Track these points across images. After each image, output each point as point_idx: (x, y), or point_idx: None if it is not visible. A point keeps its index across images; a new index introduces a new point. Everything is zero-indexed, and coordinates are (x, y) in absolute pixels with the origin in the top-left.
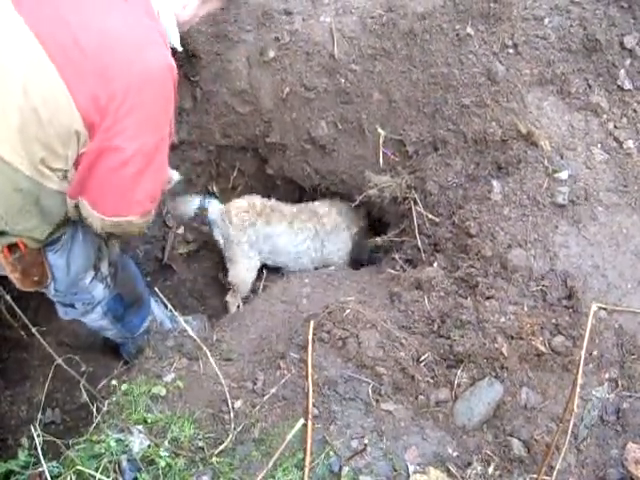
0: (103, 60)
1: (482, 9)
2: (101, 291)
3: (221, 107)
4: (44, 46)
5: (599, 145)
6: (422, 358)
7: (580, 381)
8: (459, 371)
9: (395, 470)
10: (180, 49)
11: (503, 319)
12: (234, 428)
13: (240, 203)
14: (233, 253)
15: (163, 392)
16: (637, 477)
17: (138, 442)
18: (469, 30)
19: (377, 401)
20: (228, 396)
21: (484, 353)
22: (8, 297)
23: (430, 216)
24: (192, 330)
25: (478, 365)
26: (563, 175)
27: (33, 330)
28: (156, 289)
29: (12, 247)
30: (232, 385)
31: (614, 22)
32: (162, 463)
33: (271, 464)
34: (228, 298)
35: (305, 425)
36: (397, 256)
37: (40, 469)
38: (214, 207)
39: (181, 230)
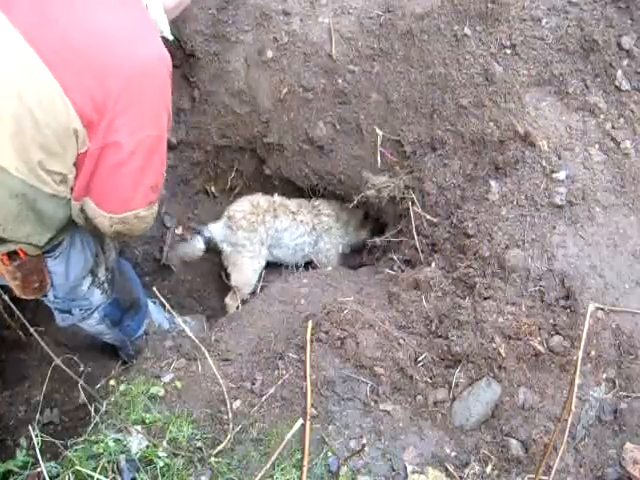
0: (96, 57)
1: (480, 10)
2: (98, 297)
3: (219, 107)
4: (34, 47)
5: (597, 145)
6: (420, 358)
7: (578, 381)
8: (457, 371)
9: (393, 470)
10: (171, 37)
11: (501, 319)
12: (232, 428)
13: (243, 206)
14: (240, 256)
15: (161, 392)
16: (634, 477)
17: (136, 442)
18: (467, 31)
19: (375, 401)
20: (226, 396)
21: (482, 353)
22: (6, 297)
23: (428, 216)
24: (190, 330)
25: (476, 365)
26: (561, 175)
27: (31, 330)
28: (154, 289)
29: (12, 255)
30: (230, 385)
31: (611, 23)
32: (160, 463)
33: (269, 464)
34: (227, 300)
35: (303, 425)
36: (395, 256)
37: (38, 469)
38: (216, 229)
39: (179, 230)
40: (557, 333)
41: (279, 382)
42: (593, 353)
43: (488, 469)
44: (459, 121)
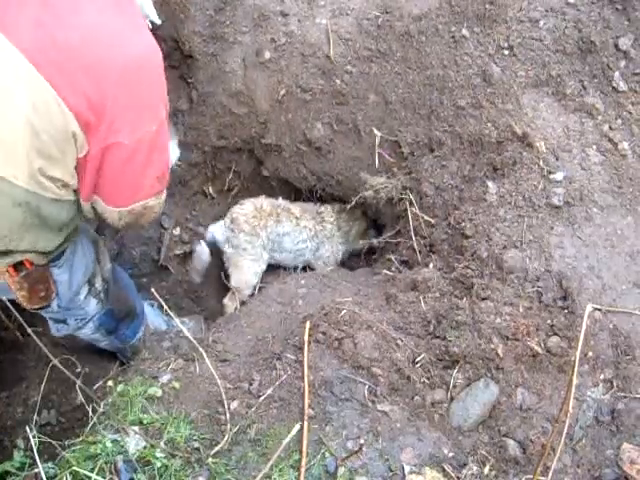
0: (86, 56)
1: (477, 11)
2: (94, 306)
3: (217, 108)
4: (23, 52)
5: (594, 146)
6: (418, 359)
7: (575, 382)
8: (455, 372)
9: (391, 471)
10: (158, 21)
11: (499, 320)
12: (230, 429)
13: (246, 209)
14: (241, 258)
15: (159, 393)
16: (632, 477)
17: (134, 443)
18: (464, 32)
19: (373, 402)
20: (224, 397)
21: (480, 354)
22: (4, 298)
23: (426, 217)
24: (188, 331)
25: (474, 366)
26: (558, 176)
27: (29, 331)
28: (153, 290)
29: (17, 266)
30: (228, 386)
31: (609, 24)
32: (158, 464)
33: (268, 467)
34: (226, 301)
35: (301, 427)
36: (393, 257)
37: (36, 470)
38: (217, 229)
39: (177, 231)
40: (555, 334)
41: (277, 383)
42: (590, 354)
43: (486, 470)
44: (457, 122)
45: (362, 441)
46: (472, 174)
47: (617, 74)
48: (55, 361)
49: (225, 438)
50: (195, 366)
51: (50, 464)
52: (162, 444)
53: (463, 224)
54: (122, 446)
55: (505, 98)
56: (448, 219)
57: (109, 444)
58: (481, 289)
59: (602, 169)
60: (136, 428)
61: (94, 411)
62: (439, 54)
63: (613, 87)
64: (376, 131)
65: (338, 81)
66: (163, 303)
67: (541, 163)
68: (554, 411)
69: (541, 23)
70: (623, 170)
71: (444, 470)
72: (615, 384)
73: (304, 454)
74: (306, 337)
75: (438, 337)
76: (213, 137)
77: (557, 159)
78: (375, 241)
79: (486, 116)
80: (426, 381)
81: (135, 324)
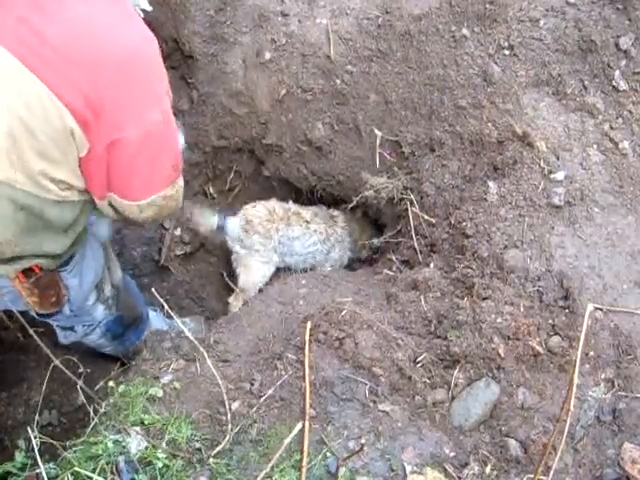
0: (78, 51)
1: (478, 11)
2: (101, 312)
3: (217, 109)
4: (12, 52)
5: (595, 146)
6: (419, 359)
7: (576, 381)
8: (456, 371)
9: (392, 470)
10: (150, 9)
11: (499, 319)
12: (231, 429)
13: (260, 211)
14: (252, 259)
15: (160, 393)
16: (633, 477)
17: (135, 443)
18: (465, 31)
19: (374, 402)
20: (225, 397)
21: (481, 353)
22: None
23: (426, 217)
24: (189, 331)
25: (475, 365)
26: (559, 176)
27: (30, 331)
28: (153, 291)
29: (27, 272)
30: (229, 386)
31: (609, 23)
32: (159, 464)
33: (269, 467)
34: (231, 300)
35: (302, 427)
36: (394, 257)
37: (37, 471)
38: (233, 224)
39: (178, 231)
40: (556, 333)
41: (278, 383)
42: (592, 353)
43: (487, 469)
44: (457, 122)
45: (363, 441)
46: (473, 174)
47: (618, 73)
48: (56, 362)
49: (226, 438)
50: (196, 366)
51: (51, 464)
52: (163, 444)
53: (464, 224)
54: (123, 446)
55: (505, 98)
56: (449, 219)
57: (110, 444)
58: (482, 289)
59: (603, 168)
60: (137, 428)
61: (95, 411)
62: (439, 54)
63: (614, 86)
64: (377, 131)
65: (338, 81)
66: (164, 303)
67: (542, 163)
68: (555, 411)
69: (541, 23)
70: (624, 169)
71: (445, 470)
72: (616, 384)
73: (305, 454)
74: (307, 337)
75: (439, 337)
76: (214, 137)
77: (558, 159)
78: (376, 241)
79: (486, 116)
80: (427, 381)
81: (140, 330)
